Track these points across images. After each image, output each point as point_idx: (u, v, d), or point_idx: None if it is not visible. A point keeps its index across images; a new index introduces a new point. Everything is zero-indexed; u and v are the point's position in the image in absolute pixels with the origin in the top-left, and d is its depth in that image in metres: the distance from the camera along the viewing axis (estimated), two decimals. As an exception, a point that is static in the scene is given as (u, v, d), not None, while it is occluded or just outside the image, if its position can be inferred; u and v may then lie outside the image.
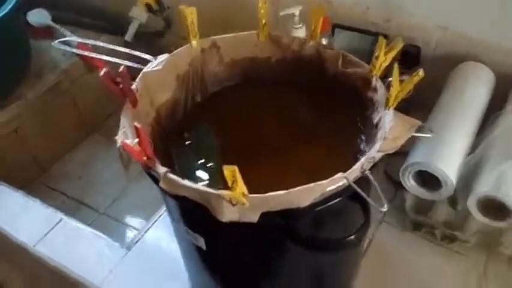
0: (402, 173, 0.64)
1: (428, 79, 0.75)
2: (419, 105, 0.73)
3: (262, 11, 0.61)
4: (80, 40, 0.67)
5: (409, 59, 0.74)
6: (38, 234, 0.76)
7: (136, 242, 0.74)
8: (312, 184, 0.44)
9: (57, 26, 1.09)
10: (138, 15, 1.00)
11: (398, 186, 0.68)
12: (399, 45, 0.54)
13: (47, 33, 1.08)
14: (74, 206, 0.98)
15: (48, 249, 0.74)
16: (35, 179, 1.05)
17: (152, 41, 1.05)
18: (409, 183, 0.64)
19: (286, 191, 0.44)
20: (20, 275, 0.98)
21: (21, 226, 0.78)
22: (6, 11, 0.86)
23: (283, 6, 0.79)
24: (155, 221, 0.77)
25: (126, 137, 0.51)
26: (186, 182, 0.46)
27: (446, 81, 0.74)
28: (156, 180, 0.49)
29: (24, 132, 1.02)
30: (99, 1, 1.13)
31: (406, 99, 0.76)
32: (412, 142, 0.65)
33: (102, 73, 0.54)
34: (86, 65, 1.07)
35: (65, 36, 1.06)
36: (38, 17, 1.10)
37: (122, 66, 0.55)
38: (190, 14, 0.59)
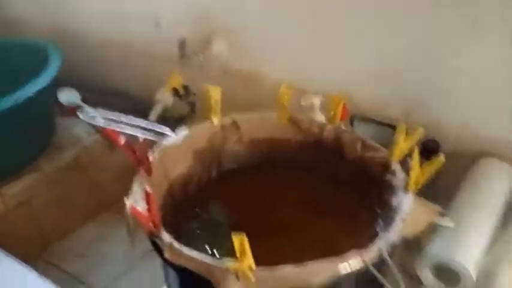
0: (419, 264, 0.60)
1: (447, 174, 0.74)
2: (441, 199, 0.72)
3: (285, 96, 0.63)
4: (106, 114, 0.70)
5: (428, 153, 0.73)
6: (31, 309, 0.72)
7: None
8: (323, 260, 0.41)
9: (86, 106, 1.13)
10: (164, 98, 1.03)
11: (414, 280, 0.64)
12: (420, 133, 0.53)
13: (75, 111, 1.12)
14: (72, 284, 0.94)
15: (38, 326, 0.69)
16: (38, 253, 1.02)
17: (175, 125, 1.08)
18: (426, 276, 0.60)
19: (295, 266, 0.41)
20: None
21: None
22: (38, 88, 0.89)
23: (306, 96, 0.81)
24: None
25: (136, 203, 0.50)
26: (192, 253, 0.44)
27: (465, 176, 0.72)
28: (160, 250, 0.47)
29: (35, 205, 1.01)
30: (125, 85, 1.18)
31: (424, 191, 0.75)
32: (427, 235, 0.62)
33: (122, 141, 0.55)
34: (107, 144, 1.09)
35: (91, 116, 1.10)
36: (68, 96, 1.14)
37: (142, 137, 0.55)
38: (215, 93, 0.61)
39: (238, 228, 0.59)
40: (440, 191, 0.76)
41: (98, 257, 1.01)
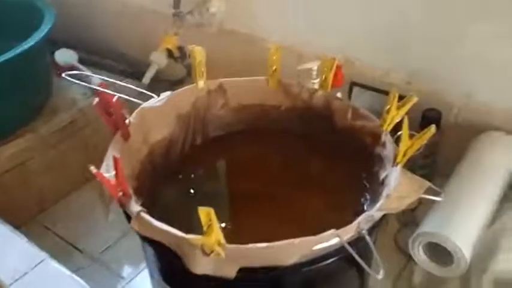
0: (412, 243, 0.57)
1: (449, 146, 0.71)
2: (440, 173, 0.68)
3: (274, 57, 0.59)
4: (93, 75, 0.67)
5: (429, 123, 0.69)
6: (16, 273, 0.71)
7: (119, 291, 0.68)
8: (297, 240, 0.38)
9: (82, 67, 1.11)
10: (158, 59, 1.00)
11: (409, 258, 0.61)
12: (412, 101, 0.49)
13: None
14: (66, 248, 0.93)
15: (23, 290, 0.68)
16: (32, 216, 1.01)
17: (171, 88, 1.05)
18: (419, 255, 0.57)
19: (266, 245, 0.38)
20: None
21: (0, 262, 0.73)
22: (32, 43, 0.87)
23: (304, 61, 0.77)
24: (142, 271, 0.71)
25: (108, 170, 0.48)
26: (158, 224, 0.42)
27: (467, 150, 0.68)
28: (129, 219, 0.45)
29: (31, 168, 0.99)
30: (123, 46, 1.15)
31: (423, 165, 0.71)
32: (426, 211, 0.59)
33: (95, 102, 0.52)
34: (103, 107, 1.06)
35: (87, 77, 1.08)
36: (65, 56, 1.12)
37: (115, 97, 0.52)
38: (199, 54, 0.57)
39: (221, 198, 0.57)
40: (440, 165, 0.73)
41: (93, 221, 1.00)
